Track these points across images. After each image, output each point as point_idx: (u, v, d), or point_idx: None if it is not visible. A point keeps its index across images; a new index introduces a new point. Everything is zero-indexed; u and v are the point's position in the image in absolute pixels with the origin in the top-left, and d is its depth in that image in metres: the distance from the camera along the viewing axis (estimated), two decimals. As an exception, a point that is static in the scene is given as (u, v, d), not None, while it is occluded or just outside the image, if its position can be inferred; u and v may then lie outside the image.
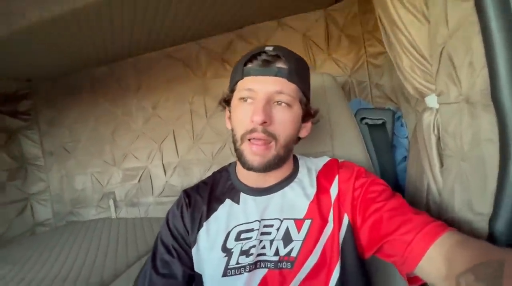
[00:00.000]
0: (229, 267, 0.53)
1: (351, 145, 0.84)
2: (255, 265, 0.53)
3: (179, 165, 1.67)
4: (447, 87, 0.50)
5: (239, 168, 0.62)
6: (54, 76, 1.87)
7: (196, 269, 0.58)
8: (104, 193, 1.86)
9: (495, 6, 0.37)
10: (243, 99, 0.54)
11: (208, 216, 0.59)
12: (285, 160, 0.58)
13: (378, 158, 0.87)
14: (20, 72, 1.74)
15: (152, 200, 1.75)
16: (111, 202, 1.82)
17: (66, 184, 1.95)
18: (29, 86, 1.95)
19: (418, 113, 0.82)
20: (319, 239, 0.53)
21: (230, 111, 0.60)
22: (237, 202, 0.59)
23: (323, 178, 0.60)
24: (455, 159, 0.51)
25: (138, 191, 1.77)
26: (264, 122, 0.51)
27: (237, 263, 0.53)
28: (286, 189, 0.59)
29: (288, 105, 0.53)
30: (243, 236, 0.56)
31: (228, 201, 0.60)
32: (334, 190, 0.57)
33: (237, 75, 0.56)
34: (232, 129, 0.58)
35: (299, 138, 0.62)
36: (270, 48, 0.54)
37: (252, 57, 0.55)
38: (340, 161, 0.63)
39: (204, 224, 0.58)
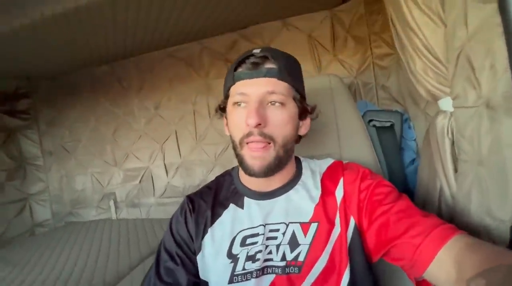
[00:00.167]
0: (235, 273, 0.52)
1: (359, 147, 0.83)
2: (262, 271, 0.52)
3: (181, 166, 1.65)
4: (465, 91, 0.49)
5: (242, 172, 0.61)
6: (54, 75, 1.85)
7: (202, 276, 0.57)
8: (104, 193, 1.84)
9: (520, 8, 0.37)
10: (237, 103, 0.54)
11: (212, 222, 0.58)
12: (287, 161, 0.57)
13: (386, 161, 0.87)
14: (20, 70, 1.72)
15: (154, 201, 1.73)
16: (111, 203, 1.80)
17: (65, 184, 1.93)
18: (29, 85, 1.93)
19: (429, 116, 0.81)
20: (327, 242, 0.52)
21: (226, 118, 0.59)
22: (241, 207, 0.58)
23: (328, 180, 0.59)
24: (471, 164, 0.50)
25: (139, 191, 1.76)
26: (258, 125, 0.50)
27: (244, 269, 0.52)
28: (291, 192, 0.58)
29: (282, 104, 0.53)
30: (248, 241, 0.55)
31: (232, 206, 0.59)
32: (339, 192, 0.56)
33: (229, 81, 0.56)
34: (231, 136, 0.57)
35: (300, 137, 0.61)
36: (258, 51, 0.54)
37: (241, 62, 0.54)
38: (344, 162, 0.62)
39: (209, 230, 0.57)
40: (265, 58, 0.53)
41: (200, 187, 0.67)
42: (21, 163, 1.94)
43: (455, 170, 0.57)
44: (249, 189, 0.60)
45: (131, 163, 1.77)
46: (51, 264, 1.23)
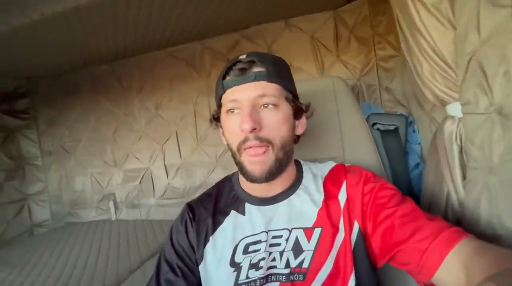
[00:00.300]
0: (239, 282, 0.51)
1: (363, 151, 0.82)
2: (266, 279, 0.51)
3: (181, 167, 1.64)
4: (476, 97, 0.48)
5: (242, 177, 0.59)
6: (54, 74, 1.84)
7: (205, 285, 0.55)
8: (104, 194, 1.83)
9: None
10: (230, 111, 0.53)
11: (214, 230, 0.57)
12: (287, 163, 0.56)
13: (390, 164, 0.85)
14: (19, 69, 1.70)
15: (154, 202, 1.72)
16: (111, 204, 1.79)
17: (65, 184, 1.92)
18: (28, 84, 1.92)
19: (434, 120, 0.80)
20: (331, 247, 0.51)
21: (222, 127, 0.59)
22: (243, 213, 0.57)
23: (331, 184, 0.58)
24: (481, 171, 0.49)
25: (139, 192, 1.75)
26: (253, 129, 0.50)
27: (247, 277, 0.51)
28: (292, 196, 0.57)
29: (275, 105, 0.52)
30: (251, 248, 0.54)
31: (233, 213, 0.58)
32: (342, 196, 0.55)
33: (219, 90, 0.56)
34: (228, 144, 0.57)
35: (298, 137, 0.60)
36: (244, 56, 0.54)
37: (228, 70, 0.54)
38: (347, 165, 0.61)
39: (210, 238, 0.56)
40: (252, 63, 0.52)
41: (201, 188, 0.66)
42: (20, 163, 1.92)
43: (463, 177, 0.56)
44: (249, 194, 0.59)
45: (131, 163, 1.75)
46: (51, 265, 1.22)
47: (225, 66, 0.55)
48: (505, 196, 0.44)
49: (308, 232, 0.53)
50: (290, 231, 0.53)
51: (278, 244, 0.53)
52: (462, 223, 0.55)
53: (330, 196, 0.56)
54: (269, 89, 0.52)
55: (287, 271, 0.51)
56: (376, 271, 0.54)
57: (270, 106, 0.52)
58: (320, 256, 0.51)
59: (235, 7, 1.16)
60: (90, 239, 1.45)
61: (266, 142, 0.51)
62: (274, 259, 0.52)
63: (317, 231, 0.53)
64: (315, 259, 0.51)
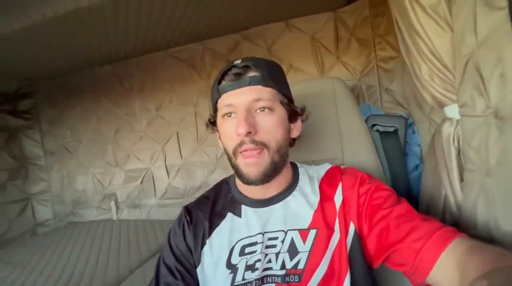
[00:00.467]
0: (235, 284, 0.52)
1: (362, 152, 0.81)
2: (261, 280, 0.51)
3: (182, 167, 1.64)
4: (473, 99, 0.48)
5: (238, 180, 0.60)
6: (56, 75, 1.85)
7: None
8: (105, 194, 1.84)
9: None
10: (226, 115, 0.54)
11: (210, 233, 0.58)
12: (282, 166, 0.57)
13: (389, 166, 0.85)
14: (22, 70, 1.72)
15: (155, 202, 1.73)
16: (112, 203, 1.80)
17: (67, 184, 1.94)
18: (31, 85, 1.93)
19: (433, 122, 0.80)
20: (326, 249, 0.52)
21: (218, 131, 0.59)
22: (239, 215, 0.58)
23: (326, 186, 0.58)
24: (478, 174, 0.49)
25: (140, 192, 1.76)
26: (249, 133, 0.50)
27: (243, 279, 0.52)
28: (288, 198, 0.58)
29: (270, 109, 0.53)
30: (247, 250, 0.54)
31: (229, 215, 0.59)
32: (338, 198, 0.55)
33: (215, 95, 0.56)
34: (224, 148, 0.57)
35: (294, 140, 0.61)
36: (239, 61, 0.54)
37: (224, 74, 0.55)
38: (342, 167, 0.62)
39: (207, 241, 0.57)
40: (247, 68, 0.53)
41: (201, 188, 0.67)
42: (23, 163, 1.94)
43: (461, 179, 0.56)
44: (246, 196, 0.59)
45: (132, 163, 1.76)
46: (52, 264, 1.23)
47: (220, 71, 0.56)
48: (501, 198, 0.44)
49: (304, 233, 0.53)
50: (286, 233, 0.54)
51: (274, 246, 0.53)
52: (459, 226, 0.55)
53: (325, 197, 0.56)
54: (264, 94, 0.52)
55: (282, 272, 0.51)
56: (372, 272, 0.54)
57: (266, 110, 0.52)
58: (315, 257, 0.51)
59: (235, 8, 1.17)
60: (91, 238, 1.46)
61: (262, 145, 0.51)
62: (270, 261, 0.52)
63: (313, 233, 0.53)
64: (310, 260, 0.51)
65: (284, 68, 0.62)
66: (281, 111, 0.54)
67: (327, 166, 0.63)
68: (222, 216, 0.59)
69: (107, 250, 1.32)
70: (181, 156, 1.64)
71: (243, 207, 0.58)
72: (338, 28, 1.27)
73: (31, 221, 1.93)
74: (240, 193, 0.60)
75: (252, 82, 0.52)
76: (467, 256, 0.37)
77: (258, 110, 0.52)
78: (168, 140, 1.66)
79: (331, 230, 0.53)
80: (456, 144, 0.56)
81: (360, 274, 0.51)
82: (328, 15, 1.28)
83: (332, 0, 1.20)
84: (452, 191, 0.57)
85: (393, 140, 0.86)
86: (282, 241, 0.53)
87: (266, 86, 0.53)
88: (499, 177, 0.43)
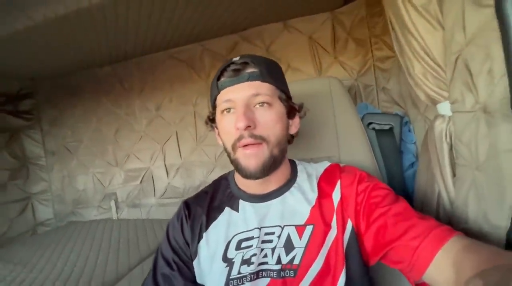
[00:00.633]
0: (231, 277, 0.52)
1: (358, 150, 0.82)
2: (256, 275, 0.52)
3: (181, 167, 1.66)
4: (463, 95, 0.49)
5: (238, 175, 0.61)
6: (57, 76, 1.87)
7: (198, 280, 0.57)
8: (105, 193, 1.85)
9: (517, 13, 0.36)
10: (226, 110, 0.55)
11: (207, 226, 0.59)
12: (281, 161, 0.57)
13: (385, 164, 0.86)
14: (23, 71, 1.74)
15: (154, 201, 1.74)
16: (112, 203, 1.81)
17: (67, 184, 1.95)
18: (32, 86, 1.95)
19: (428, 120, 0.81)
20: (322, 245, 0.52)
21: (217, 128, 0.60)
22: (236, 210, 0.59)
23: (325, 183, 0.59)
24: (469, 169, 0.50)
25: (140, 192, 1.77)
26: (248, 127, 0.51)
27: (239, 273, 0.52)
28: (286, 194, 0.58)
29: (269, 104, 0.53)
30: (243, 244, 0.55)
31: (227, 209, 0.60)
32: (336, 195, 0.56)
33: (214, 91, 0.57)
34: (223, 144, 0.58)
35: (292, 137, 0.61)
36: (237, 58, 0.55)
37: (222, 71, 0.55)
38: (341, 165, 0.62)
39: (204, 235, 0.58)
40: (245, 64, 0.54)
41: (200, 188, 0.67)
42: (24, 163, 1.96)
43: (453, 175, 0.57)
44: (244, 192, 0.60)
45: (132, 163, 1.78)
46: (52, 263, 1.24)
47: (219, 68, 0.56)
48: (490, 192, 0.44)
49: (300, 229, 0.54)
50: (282, 228, 0.55)
51: (270, 241, 0.54)
52: (452, 220, 0.56)
53: (324, 194, 0.57)
54: (262, 89, 0.53)
55: (278, 267, 0.52)
56: (368, 270, 0.55)
57: (265, 105, 0.53)
58: (311, 253, 0.52)
59: (234, 8, 1.18)
60: (91, 237, 1.47)
61: (261, 139, 0.52)
62: (265, 255, 0.53)
63: (309, 229, 0.54)
64: (306, 256, 0.52)
65: (282, 68, 0.63)
66: (279, 107, 0.55)
67: (326, 164, 0.64)
68: (220, 210, 0.60)
69: (106, 249, 1.33)
70: (180, 155, 1.65)
71: (241, 201, 0.59)
72: (335, 29, 1.28)
73: (31, 220, 1.94)
74: (239, 188, 0.61)
75: (251, 78, 0.53)
76: (463, 255, 0.38)
77: (257, 105, 0.53)
78: (168, 140, 1.67)
79: (328, 226, 0.53)
80: (448, 139, 0.57)
81: (356, 271, 0.52)
82: (325, 15, 1.29)
83: (329, 1, 1.22)
84: (445, 186, 0.58)
85: (389, 138, 0.87)
86: (279, 236, 0.54)
87: (265, 81, 0.53)
88: (488, 170, 0.44)
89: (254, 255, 0.53)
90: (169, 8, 1.10)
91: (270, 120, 0.53)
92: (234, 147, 0.53)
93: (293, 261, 0.52)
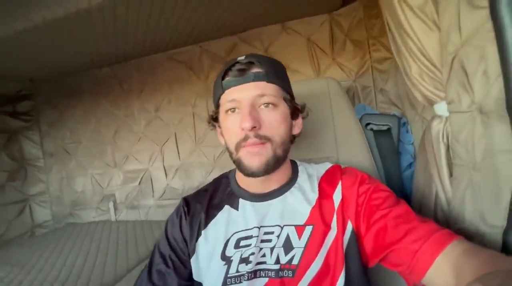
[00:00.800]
0: (229, 275, 0.52)
1: (356, 151, 0.83)
2: (254, 274, 0.52)
3: (180, 168, 1.65)
4: (459, 96, 0.49)
5: (239, 174, 0.61)
6: (56, 77, 1.87)
7: (196, 278, 0.57)
8: (104, 195, 1.85)
9: (511, 13, 0.37)
10: (230, 110, 0.55)
11: (206, 224, 0.59)
12: (283, 161, 0.58)
13: (383, 165, 0.86)
14: (22, 72, 1.73)
15: (153, 203, 1.73)
16: (111, 204, 1.80)
17: (66, 185, 1.94)
18: (31, 87, 1.95)
19: (425, 121, 0.81)
20: (321, 245, 0.52)
21: (220, 127, 0.60)
22: (236, 208, 0.59)
23: (326, 184, 0.59)
24: (466, 169, 0.50)
25: (138, 193, 1.76)
26: (253, 127, 0.51)
27: (237, 271, 0.52)
28: (287, 194, 0.58)
29: (274, 105, 0.54)
30: (242, 243, 0.55)
31: (227, 208, 0.60)
32: (337, 196, 0.56)
33: (218, 90, 0.56)
34: (226, 143, 0.58)
35: (294, 137, 0.61)
36: (242, 58, 0.55)
37: (227, 70, 0.55)
38: (343, 166, 0.63)
39: (203, 232, 0.58)
40: (251, 64, 0.54)
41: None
42: (22, 164, 1.95)
43: (450, 175, 0.57)
44: (245, 190, 0.60)
45: (130, 164, 1.77)
46: (50, 264, 1.23)
47: (223, 67, 0.56)
48: (487, 192, 0.45)
49: (300, 229, 0.54)
50: (282, 228, 0.55)
51: (269, 240, 0.54)
52: (449, 221, 0.56)
53: (324, 195, 0.57)
54: (268, 89, 0.53)
55: (276, 267, 0.52)
56: (367, 271, 0.55)
57: (270, 106, 0.53)
58: (310, 253, 0.52)
59: (233, 9, 1.19)
60: (90, 239, 1.46)
61: (265, 139, 0.52)
62: (264, 255, 0.53)
63: (309, 229, 0.54)
64: (305, 256, 0.52)
65: (281, 69, 0.63)
66: (284, 108, 0.56)
67: (327, 165, 0.64)
68: (219, 208, 0.60)
69: (105, 250, 1.33)
70: (179, 156, 1.65)
71: (241, 200, 0.59)
72: (333, 30, 1.29)
73: (29, 222, 1.93)
74: (239, 186, 0.61)
75: (256, 78, 0.53)
76: (463, 259, 0.38)
77: (262, 106, 0.53)
78: (167, 141, 1.67)
79: (327, 227, 0.53)
80: (445, 140, 0.57)
81: (355, 272, 0.52)
82: (323, 17, 1.30)
83: (327, 3, 1.22)
84: (442, 186, 0.58)
85: (387, 139, 0.88)
86: (278, 236, 0.54)
87: (270, 82, 0.54)
88: (484, 170, 0.45)
89: (252, 254, 0.53)
90: (168, 9, 1.11)
91: (275, 121, 0.53)
92: (237, 147, 0.54)
93: (291, 261, 0.52)
